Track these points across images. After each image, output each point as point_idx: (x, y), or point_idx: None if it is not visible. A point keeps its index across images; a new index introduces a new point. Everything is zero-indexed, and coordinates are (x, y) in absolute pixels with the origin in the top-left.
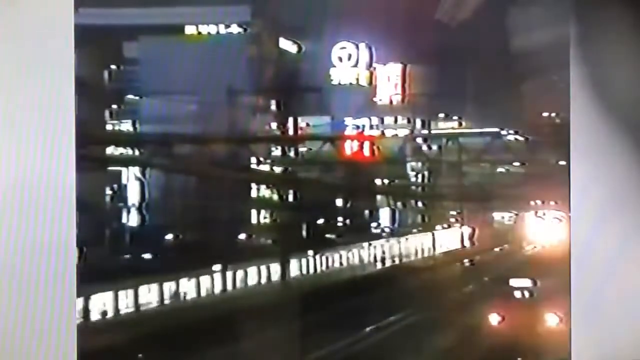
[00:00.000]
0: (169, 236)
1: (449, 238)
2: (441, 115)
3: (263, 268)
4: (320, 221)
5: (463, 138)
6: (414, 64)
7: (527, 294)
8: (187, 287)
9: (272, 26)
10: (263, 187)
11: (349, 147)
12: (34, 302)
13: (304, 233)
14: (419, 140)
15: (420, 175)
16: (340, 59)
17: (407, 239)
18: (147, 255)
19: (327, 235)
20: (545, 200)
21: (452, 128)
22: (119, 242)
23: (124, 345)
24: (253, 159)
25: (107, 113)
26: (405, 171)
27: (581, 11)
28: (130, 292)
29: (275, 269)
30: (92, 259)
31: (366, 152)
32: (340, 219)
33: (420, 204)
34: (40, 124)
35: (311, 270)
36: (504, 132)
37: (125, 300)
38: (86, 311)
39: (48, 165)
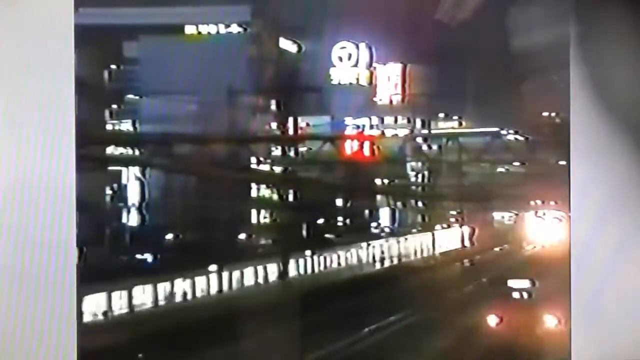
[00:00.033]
0: (169, 236)
1: (449, 238)
2: (441, 115)
3: (263, 268)
4: (320, 221)
5: (463, 138)
6: (414, 64)
7: (527, 294)
8: (187, 287)
9: (272, 26)
10: (263, 187)
11: (349, 147)
12: (34, 302)
13: (304, 233)
14: (419, 140)
15: (420, 175)
16: (340, 59)
17: (407, 239)
18: (147, 255)
19: (327, 235)
20: (545, 200)
21: (452, 128)
22: (119, 242)
23: (124, 345)
24: (253, 159)
25: (107, 113)
26: (405, 171)
27: (581, 11)
28: (130, 292)
29: (276, 268)
30: (92, 259)
31: (366, 151)
32: (340, 218)
33: (420, 203)
34: (40, 124)
35: (311, 270)
36: (504, 132)
37: (125, 300)
38: (86, 311)
39: (48, 165)
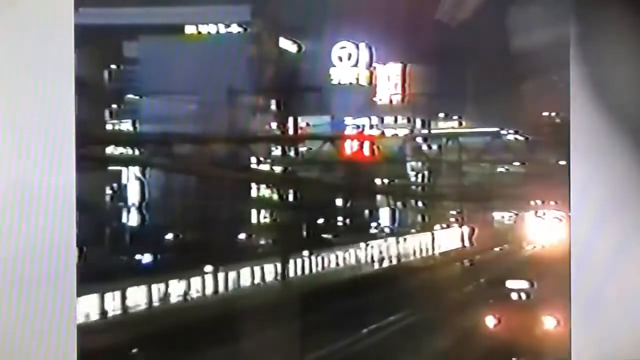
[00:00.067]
0: (169, 236)
1: (449, 238)
2: (441, 115)
3: (263, 268)
4: (320, 221)
5: (463, 138)
6: (414, 63)
7: (528, 294)
8: (187, 287)
9: (272, 26)
10: (263, 187)
11: (349, 147)
12: (34, 302)
13: (304, 233)
14: (419, 140)
15: (420, 175)
16: (340, 59)
17: (407, 239)
18: (146, 255)
19: (327, 235)
20: (545, 200)
21: (452, 128)
22: (119, 242)
23: (123, 345)
24: (253, 159)
25: (107, 113)
26: (405, 171)
27: (581, 11)
28: (130, 292)
29: (276, 268)
30: (92, 259)
31: (366, 151)
32: (340, 218)
33: (420, 203)
34: (40, 124)
35: (311, 270)
36: (504, 132)
37: (125, 300)
38: (86, 311)
39: (48, 165)
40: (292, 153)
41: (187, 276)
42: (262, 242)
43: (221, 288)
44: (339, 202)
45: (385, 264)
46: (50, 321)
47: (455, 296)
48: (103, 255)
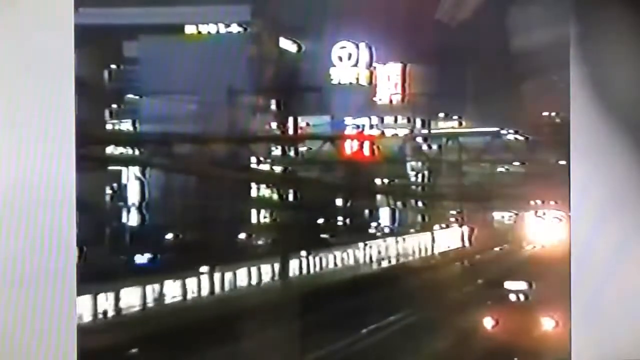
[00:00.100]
0: (169, 236)
1: (449, 238)
2: (441, 114)
3: (263, 268)
4: (320, 221)
5: (463, 138)
6: (414, 63)
7: (527, 294)
8: (187, 287)
9: (272, 26)
10: (263, 186)
11: (349, 147)
12: (34, 302)
13: (304, 232)
14: (419, 139)
15: (420, 175)
16: (340, 59)
17: (407, 239)
18: (146, 255)
19: (327, 235)
20: (545, 200)
21: (452, 128)
22: (119, 242)
23: (123, 345)
24: (253, 159)
25: (107, 113)
26: (405, 171)
27: (581, 11)
28: (130, 291)
29: (276, 268)
30: (92, 259)
31: (366, 151)
32: (340, 218)
33: (420, 203)
34: (40, 124)
35: (311, 270)
36: (504, 132)
37: (125, 300)
38: (86, 311)
39: (48, 165)
40: (292, 153)
41: (187, 276)
42: (262, 242)
43: (221, 288)
44: (339, 202)
45: (386, 264)
46: (50, 321)
47: (455, 296)
48: (103, 255)
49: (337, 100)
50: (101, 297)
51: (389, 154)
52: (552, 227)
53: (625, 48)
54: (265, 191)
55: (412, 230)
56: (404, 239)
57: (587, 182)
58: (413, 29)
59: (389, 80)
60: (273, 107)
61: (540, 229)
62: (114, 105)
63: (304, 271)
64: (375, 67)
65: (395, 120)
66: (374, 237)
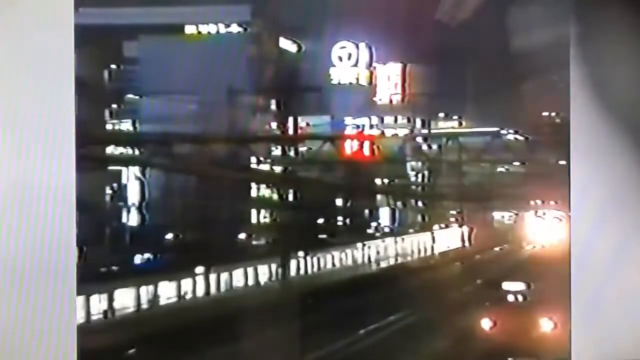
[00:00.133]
0: (169, 236)
1: (449, 238)
2: (441, 114)
3: (263, 268)
4: (320, 221)
5: (463, 138)
6: (414, 63)
7: (526, 294)
8: (187, 287)
9: (272, 26)
10: (263, 186)
11: (349, 147)
12: (34, 302)
13: (304, 232)
14: (419, 139)
15: (420, 175)
16: (340, 59)
17: (407, 238)
18: (146, 255)
19: (327, 235)
20: (545, 200)
21: (452, 127)
22: (119, 242)
23: (123, 345)
24: (253, 159)
25: (107, 113)
26: (405, 171)
27: (581, 11)
28: (130, 291)
29: (276, 268)
30: (92, 259)
31: (366, 151)
32: (340, 218)
33: (420, 203)
34: (40, 124)
35: (312, 270)
36: (504, 132)
37: (125, 300)
38: (86, 311)
39: (48, 165)
40: (292, 153)
41: (186, 276)
42: (262, 242)
43: (221, 288)
44: (339, 202)
45: (386, 264)
46: (50, 321)
47: (456, 296)
48: (103, 255)
49: (337, 100)
50: (101, 297)
51: (389, 154)
52: (552, 227)
53: (625, 48)
54: (265, 191)
55: (412, 230)
56: (403, 239)
57: (587, 182)
58: (413, 29)
59: (389, 80)
60: (273, 107)
61: (540, 229)
62: (114, 105)
63: (304, 271)
64: (375, 67)
65: (395, 120)
66: (374, 237)
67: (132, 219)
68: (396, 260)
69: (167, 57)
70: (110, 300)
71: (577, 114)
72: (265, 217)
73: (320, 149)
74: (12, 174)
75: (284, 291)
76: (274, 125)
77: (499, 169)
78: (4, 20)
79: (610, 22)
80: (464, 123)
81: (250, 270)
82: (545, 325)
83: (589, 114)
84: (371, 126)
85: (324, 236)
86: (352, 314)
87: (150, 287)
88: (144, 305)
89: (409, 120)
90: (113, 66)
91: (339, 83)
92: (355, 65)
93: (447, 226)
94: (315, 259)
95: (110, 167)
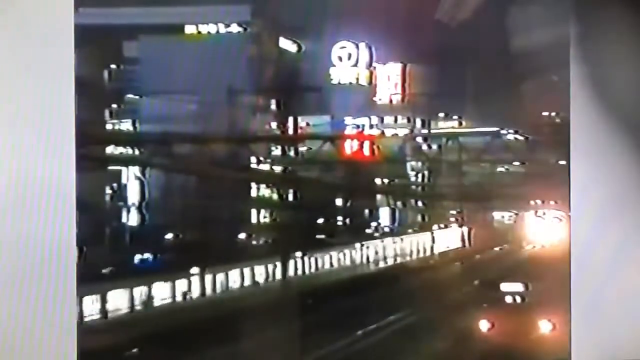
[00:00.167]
0: (169, 236)
1: (449, 238)
2: (441, 114)
3: (263, 268)
4: (320, 221)
5: (463, 138)
6: (414, 63)
7: (526, 295)
8: (187, 287)
9: (272, 26)
10: (263, 187)
11: (349, 147)
12: (34, 302)
13: (304, 232)
14: (419, 139)
15: (420, 175)
16: (340, 59)
17: (407, 239)
18: (146, 255)
19: (327, 235)
20: (545, 200)
21: (452, 128)
22: (119, 242)
23: (123, 345)
24: (253, 159)
25: (107, 113)
26: (405, 171)
27: (581, 11)
28: (130, 291)
29: (276, 268)
30: (92, 259)
31: (366, 151)
32: (340, 218)
33: (420, 203)
34: (41, 124)
35: (311, 270)
36: (504, 132)
37: (125, 300)
38: (86, 311)
39: (48, 165)
40: (292, 153)
41: (186, 276)
42: (262, 242)
43: (222, 288)
44: (339, 202)
45: (386, 264)
46: (51, 321)
47: (456, 297)
48: (103, 255)
49: (337, 100)
50: (101, 297)
51: (389, 154)
52: (552, 227)
53: (625, 48)
54: (265, 191)
55: (412, 230)
56: (404, 239)
57: (587, 182)
58: (413, 29)
59: (389, 80)
60: (273, 107)
61: (540, 229)
62: (114, 105)
63: (304, 271)
64: (375, 67)
65: (395, 120)
66: (374, 237)
67: (132, 219)
68: (396, 260)
69: (167, 57)
70: (111, 300)
71: (577, 114)
72: (265, 217)
73: (320, 149)
74: (13, 173)
75: (284, 291)
76: (274, 125)
77: (499, 169)
78: (4, 20)
79: (610, 22)
80: (464, 123)
81: (250, 270)
82: (545, 325)
83: (589, 114)
84: (371, 126)
85: (324, 236)
86: (352, 314)
87: (150, 287)
88: (144, 305)
89: (409, 120)
90: (113, 66)
91: (339, 83)
92: (355, 65)
93: (447, 226)
94: (314, 259)
95: (110, 167)
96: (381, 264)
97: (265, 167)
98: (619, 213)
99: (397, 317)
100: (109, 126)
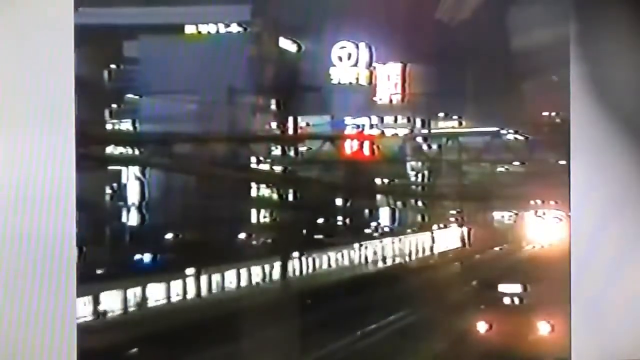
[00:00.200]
0: (169, 236)
1: (449, 238)
2: (441, 114)
3: (263, 268)
4: (320, 220)
5: (463, 138)
6: (413, 63)
7: (526, 295)
8: (187, 287)
9: (272, 26)
10: (263, 186)
11: (349, 147)
12: (34, 302)
13: (304, 232)
14: (419, 139)
15: (420, 175)
16: (340, 59)
17: (407, 238)
18: (146, 255)
19: (327, 235)
20: (545, 200)
21: (452, 128)
22: (119, 241)
23: (123, 345)
24: (253, 159)
25: (107, 112)
26: (405, 171)
27: (581, 11)
28: (130, 291)
29: (275, 268)
30: (92, 258)
31: (366, 151)
32: (340, 218)
33: (420, 203)
34: (41, 124)
35: (311, 270)
36: (504, 132)
37: (125, 300)
38: (86, 311)
39: (49, 165)
40: (292, 153)
41: (186, 276)
42: (262, 241)
43: (221, 288)
44: (339, 202)
45: (386, 264)
46: (51, 321)
47: (456, 297)
48: (103, 255)
49: (337, 100)
50: (101, 297)
51: (389, 154)
52: (552, 227)
53: (625, 48)
54: (265, 191)
55: (412, 230)
56: (403, 240)
57: (587, 182)
58: (413, 29)
59: (389, 80)
60: (273, 107)
61: (540, 229)
62: (114, 105)
63: (304, 271)
64: (375, 67)
65: (395, 120)
66: (373, 237)
67: (132, 218)
68: (395, 260)
69: (167, 57)
70: (110, 300)
71: (577, 113)
72: (265, 217)
73: (320, 149)
74: (13, 173)
75: (284, 291)
76: (274, 125)
77: (499, 169)
78: (4, 20)
79: (610, 22)
80: (464, 123)
81: (250, 270)
82: (545, 325)
83: (589, 114)
84: (371, 126)
85: (324, 236)
86: (352, 314)
87: (150, 287)
88: (144, 305)
89: (409, 120)
90: (113, 66)
91: (339, 83)
92: (355, 65)
93: (446, 226)
94: (314, 259)
95: (110, 167)
96: (381, 264)
97: (265, 167)
98: (619, 213)
99: (397, 317)
100: (109, 126)
